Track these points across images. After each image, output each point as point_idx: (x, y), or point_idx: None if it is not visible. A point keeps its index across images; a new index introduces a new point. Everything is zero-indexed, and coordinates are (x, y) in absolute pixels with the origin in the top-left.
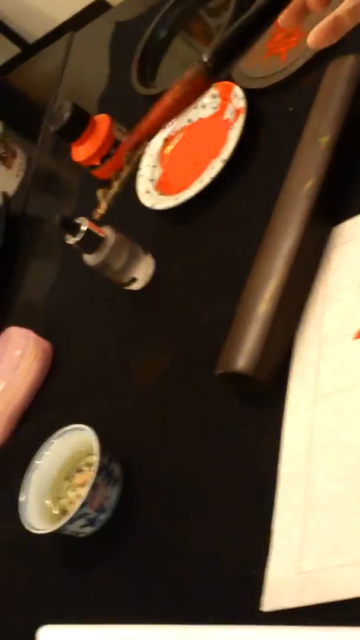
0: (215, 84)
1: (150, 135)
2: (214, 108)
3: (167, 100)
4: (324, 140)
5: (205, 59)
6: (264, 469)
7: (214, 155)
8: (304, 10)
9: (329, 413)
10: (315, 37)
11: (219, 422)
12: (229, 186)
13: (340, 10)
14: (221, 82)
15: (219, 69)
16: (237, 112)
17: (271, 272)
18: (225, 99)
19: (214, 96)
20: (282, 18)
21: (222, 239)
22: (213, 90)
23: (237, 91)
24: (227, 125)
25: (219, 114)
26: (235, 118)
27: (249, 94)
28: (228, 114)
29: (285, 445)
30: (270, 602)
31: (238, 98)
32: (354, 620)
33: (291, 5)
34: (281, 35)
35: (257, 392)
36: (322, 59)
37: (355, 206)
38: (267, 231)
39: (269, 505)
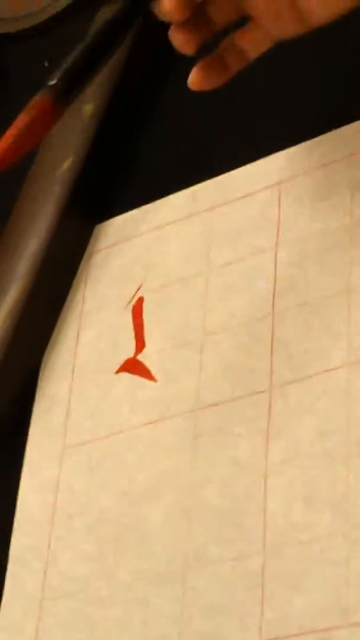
0: None
1: None
2: None
3: (10, 132)
4: (88, 108)
5: (53, 81)
6: None
7: None
8: None
9: (81, 470)
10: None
11: None
12: None
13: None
14: None
15: (70, 91)
16: None
17: (11, 280)
18: None
19: None
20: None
21: None
22: None
23: None
24: None
25: None
26: None
27: None
28: None
29: (20, 511)
30: None
31: None
32: None
33: None
34: None
35: None
36: (90, 3)
37: (126, 199)
38: (9, 226)
39: None
